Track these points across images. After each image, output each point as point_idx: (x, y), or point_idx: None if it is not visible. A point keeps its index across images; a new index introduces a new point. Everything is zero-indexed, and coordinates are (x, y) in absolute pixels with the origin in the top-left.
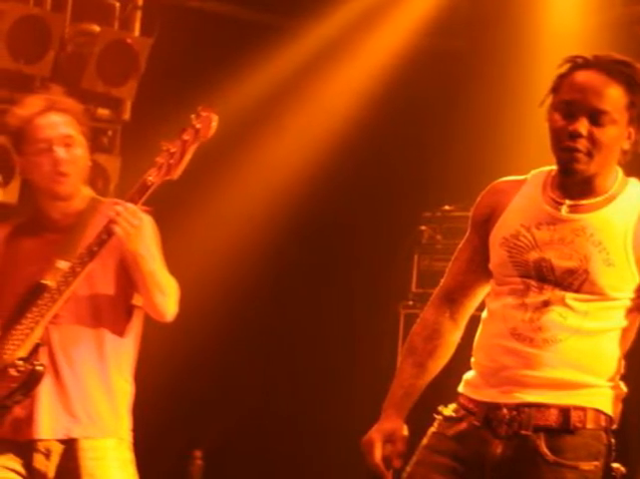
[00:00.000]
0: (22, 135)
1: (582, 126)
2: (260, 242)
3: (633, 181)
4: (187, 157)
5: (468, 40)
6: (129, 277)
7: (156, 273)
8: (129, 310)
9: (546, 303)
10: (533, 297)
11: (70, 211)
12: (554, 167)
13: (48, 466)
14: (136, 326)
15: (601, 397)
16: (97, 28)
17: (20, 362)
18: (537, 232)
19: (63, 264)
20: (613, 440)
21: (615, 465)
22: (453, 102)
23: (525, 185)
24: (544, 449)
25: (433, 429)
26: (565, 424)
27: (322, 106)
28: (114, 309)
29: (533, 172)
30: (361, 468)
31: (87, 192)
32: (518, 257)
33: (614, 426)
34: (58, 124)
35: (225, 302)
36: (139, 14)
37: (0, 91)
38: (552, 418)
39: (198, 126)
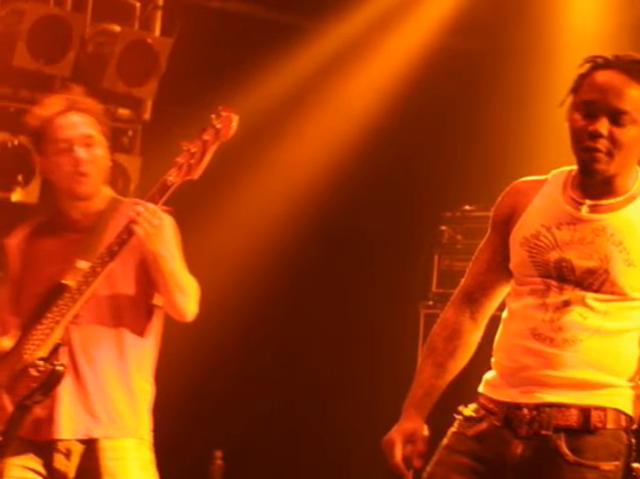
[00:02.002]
0: (42, 135)
1: (603, 126)
2: (280, 243)
3: None
4: (208, 157)
5: (488, 40)
6: (149, 277)
7: (176, 273)
8: (149, 310)
9: (567, 303)
10: (554, 297)
11: (90, 211)
12: (575, 167)
13: (68, 466)
14: (156, 326)
15: (621, 397)
16: (117, 28)
17: (40, 362)
18: (558, 232)
19: (83, 264)
20: (633, 440)
21: (636, 465)
22: (473, 102)
23: (546, 185)
24: (565, 449)
25: (453, 429)
26: (586, 424)
27: (342, 106)
28: (134, 309)
29: (554, 172)
30: (382, 468)
31: (107, 192)
32: (539, 257)
33: (634, 426)
34: (78, 124)
35: (246, 302)
36: (159, 14)
37: (21, 91)
38: (573, 418)
39: (219, 126)
